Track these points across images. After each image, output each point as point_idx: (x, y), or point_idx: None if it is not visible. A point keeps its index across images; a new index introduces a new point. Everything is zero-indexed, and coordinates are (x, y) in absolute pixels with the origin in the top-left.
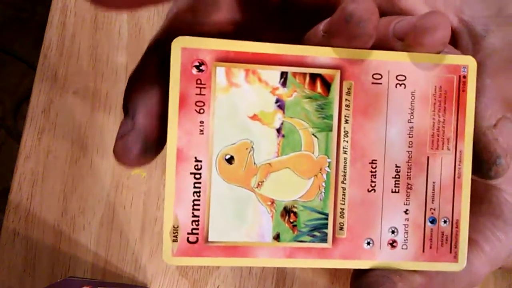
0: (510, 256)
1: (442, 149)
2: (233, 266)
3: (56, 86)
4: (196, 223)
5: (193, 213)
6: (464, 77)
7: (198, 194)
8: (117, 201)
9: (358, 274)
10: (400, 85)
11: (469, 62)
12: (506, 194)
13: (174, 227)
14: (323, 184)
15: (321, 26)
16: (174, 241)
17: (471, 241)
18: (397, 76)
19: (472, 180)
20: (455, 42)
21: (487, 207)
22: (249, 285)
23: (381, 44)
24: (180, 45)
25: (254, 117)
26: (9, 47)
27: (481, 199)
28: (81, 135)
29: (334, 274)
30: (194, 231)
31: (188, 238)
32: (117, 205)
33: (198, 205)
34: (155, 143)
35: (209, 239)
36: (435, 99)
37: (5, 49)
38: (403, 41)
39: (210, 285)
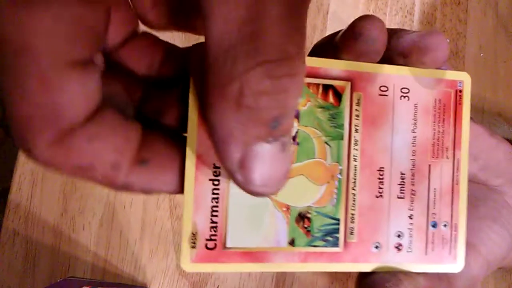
0: (506, 258)
1: (442, 157)
2: (252, 271)
3: None
4: (215, 229)
5: (211, 219)
6: (460, 91)
7: (216, 200)
8: (117, 201)
9: (365, 273)
10: (404, 97)
11: (464, 78)
12: (507, 197)
13: (193, 233)
14: (335, 190)
15: (333, 37)
16: (192, 247)
17: (469, 244)
18: (401, 89)
19: (471, 184)
20: None
21: (484, 210)
22: (248, 285)
23: (384, 58)
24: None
25: None
26: None
27: (479, 203)
28: None
29: (334, 274)
30: (212, 237)
31: (206, 244)
32: (117, 205)
33: (217, 211)
34: None
35: (227, 245)
36: (435, 111)
37: None
38: (405, 58)
39: (210, 285)
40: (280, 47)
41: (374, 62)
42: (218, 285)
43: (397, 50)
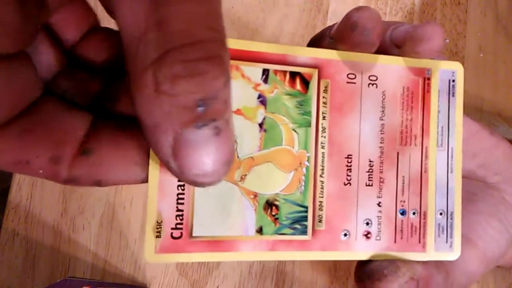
0: (505, 255)
1: (410, 145)
2: (218, 261)
3: None
4: (180, 217)
5: (177, 207)
6: (428, 79)
7: (182, 187)
8: (117, 201)
9: (363, 262)
10: (372, 84)
11: (432, 66)
12: (505, 194)
13: (157, 222)
14: (303, 177)
15: (328, 30)
16: (157, 237)
17: (466, 239)
18: (369, 76)
19: (469, 180)
20: None
21: (482, 205)
22: (248, 285)
23: (379, 49)
24: None
25: (237, 112)
26: None
27: (477, 198)
28: None
29: (333, 274)
30: (178, 226)
31: (172, 233)
32: (117, 205)
33: (183, 199)
34: None
35: (193, 234)
36: (403, 99)
37: None
38: (399, 48)
39: (209, 285)
40: (189, 32)
41: (369, 53)
42: (218, 285)
43: (391, 40)
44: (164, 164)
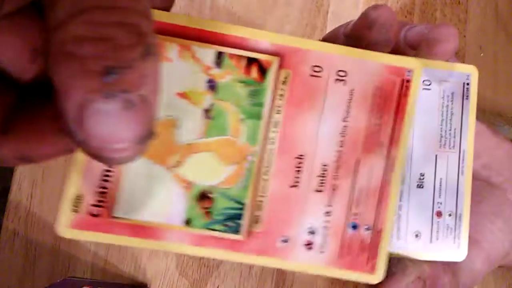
0: (508, 255)
1: (374, 153)
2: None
3: None
4: (103, 194)
5: (101, 183)
6: (408, 81)
7: None
8: None
9: None
10: (340, 81)
11: (414, 66)
12: (509, 194)
13: (77, 196)
14: (245, 173)
15: (342, 29)
16: (74, 211)
17: (472, 239)
18: (338, 71)
19: (473, 180)
20: None
21: (486, 206)
22: (248, 285)
23: (392, 50)
24: None
25: (182, 95)
26: None
27: (481, 198)
28: None
29: None
30: (99, 203)
31: (91, 210)
32: None
33: (108, 176)
34: None
35: (114, 214)
36: (373, 101)
37: None
38: (414, 50)
39: (210, 285)
40: None
41: (385, 52)
42: (218, 285)
43: (405, 41)
44: (70, 134)
